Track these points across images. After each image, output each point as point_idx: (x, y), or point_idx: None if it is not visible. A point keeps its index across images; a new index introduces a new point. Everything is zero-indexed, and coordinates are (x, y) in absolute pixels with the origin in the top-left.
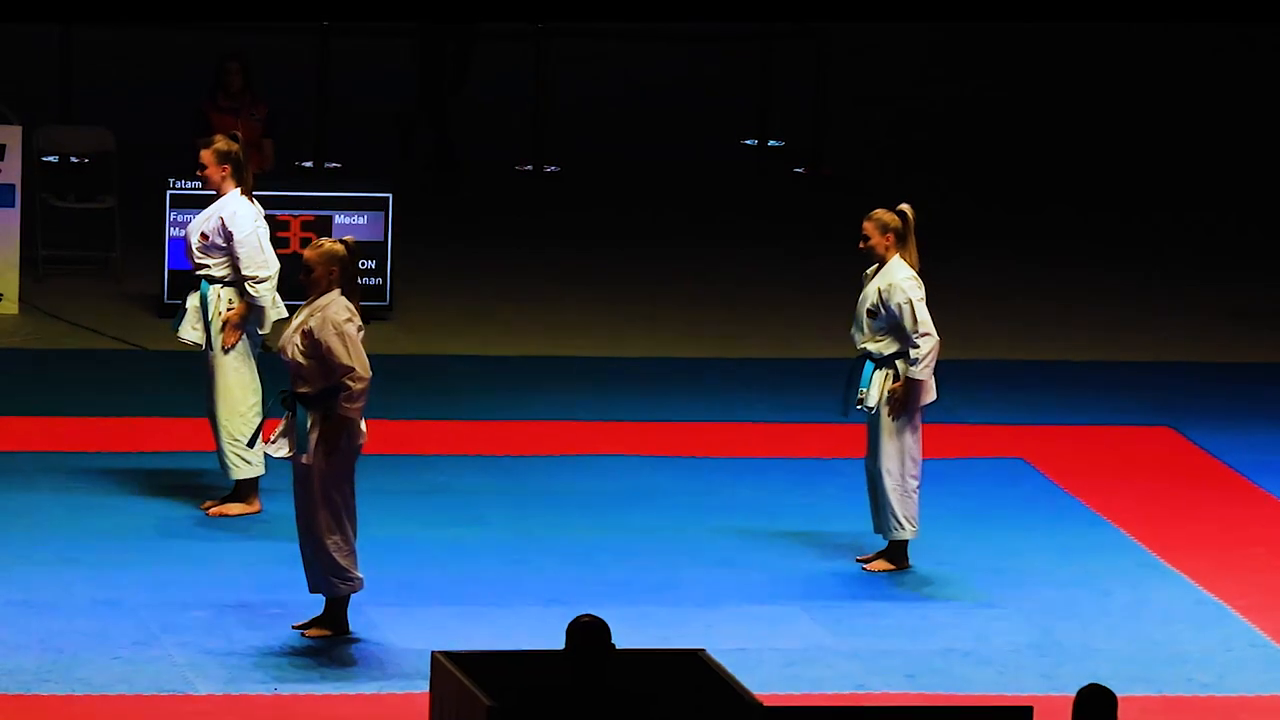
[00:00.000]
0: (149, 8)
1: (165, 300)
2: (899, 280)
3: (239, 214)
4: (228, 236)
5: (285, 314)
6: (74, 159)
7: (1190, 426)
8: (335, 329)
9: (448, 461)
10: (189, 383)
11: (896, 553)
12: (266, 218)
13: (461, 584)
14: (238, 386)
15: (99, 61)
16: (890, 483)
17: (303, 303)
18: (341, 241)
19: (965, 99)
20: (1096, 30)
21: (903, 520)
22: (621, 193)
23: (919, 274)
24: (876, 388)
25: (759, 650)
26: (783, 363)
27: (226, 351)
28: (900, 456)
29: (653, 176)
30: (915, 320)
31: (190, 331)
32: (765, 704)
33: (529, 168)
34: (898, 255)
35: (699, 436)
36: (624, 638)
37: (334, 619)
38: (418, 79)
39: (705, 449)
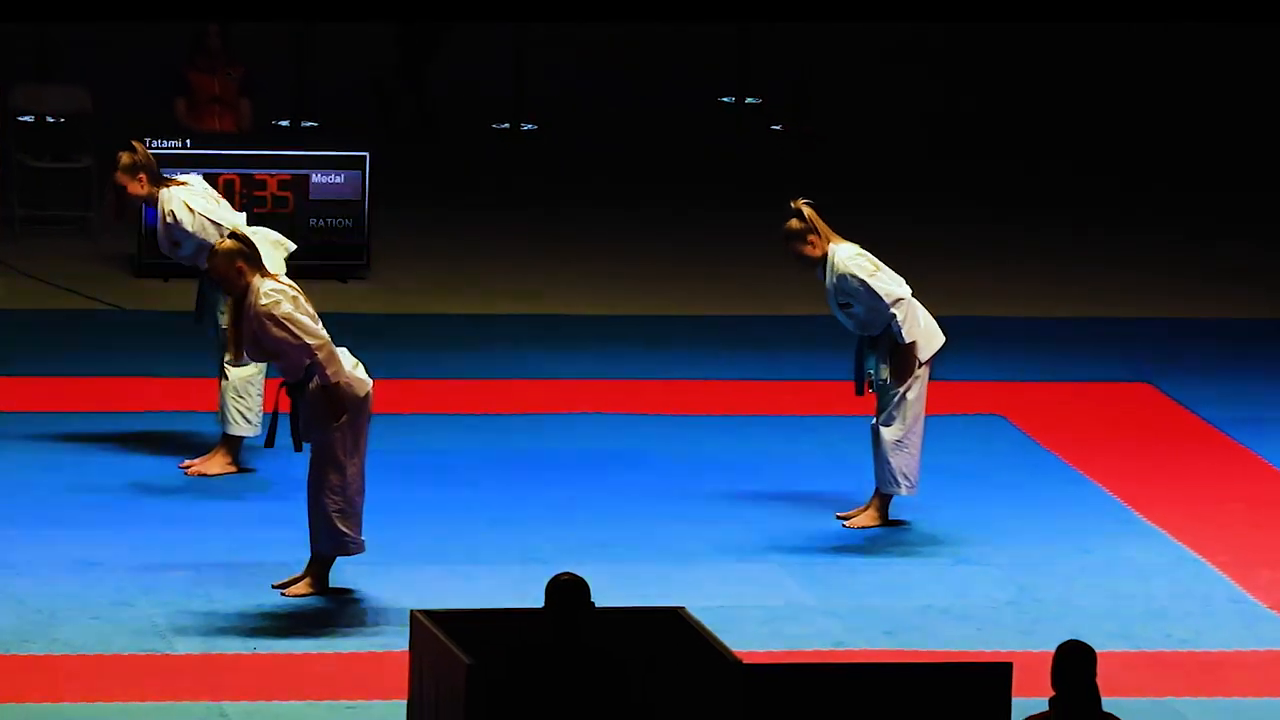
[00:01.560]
0: (141, 5)
1: (142, 260)
2: (843, 263)
3: (175, 212)
4: (183, 235)
5: (291, 245)
6: (50, 118)
7: (1169, 382)
8: (267, 320)
9: (426, 421)
10: (167, 342)
11: (878, 509)
12: (245, 178)
13: (440, 543)
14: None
15: (76, 20)
16: (889, 436)
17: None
18: (231, 235)
19: (950, 49)
20: None
21: (898, 476)
22: (599, 150)
23: (864, 246)
24: (884, 364)
25: (738, 608)
26: (762, 319)
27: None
28: (905, 414)
29: (630, 134)
30: (879, 293)
31: (207, 319)
32: (745, 661)
33: (505, 126)
34: (829, 245)
35: (679, 394)
36: (603, 596)
37: (317, 577)
38: (396, 41)
39: (685, 407)
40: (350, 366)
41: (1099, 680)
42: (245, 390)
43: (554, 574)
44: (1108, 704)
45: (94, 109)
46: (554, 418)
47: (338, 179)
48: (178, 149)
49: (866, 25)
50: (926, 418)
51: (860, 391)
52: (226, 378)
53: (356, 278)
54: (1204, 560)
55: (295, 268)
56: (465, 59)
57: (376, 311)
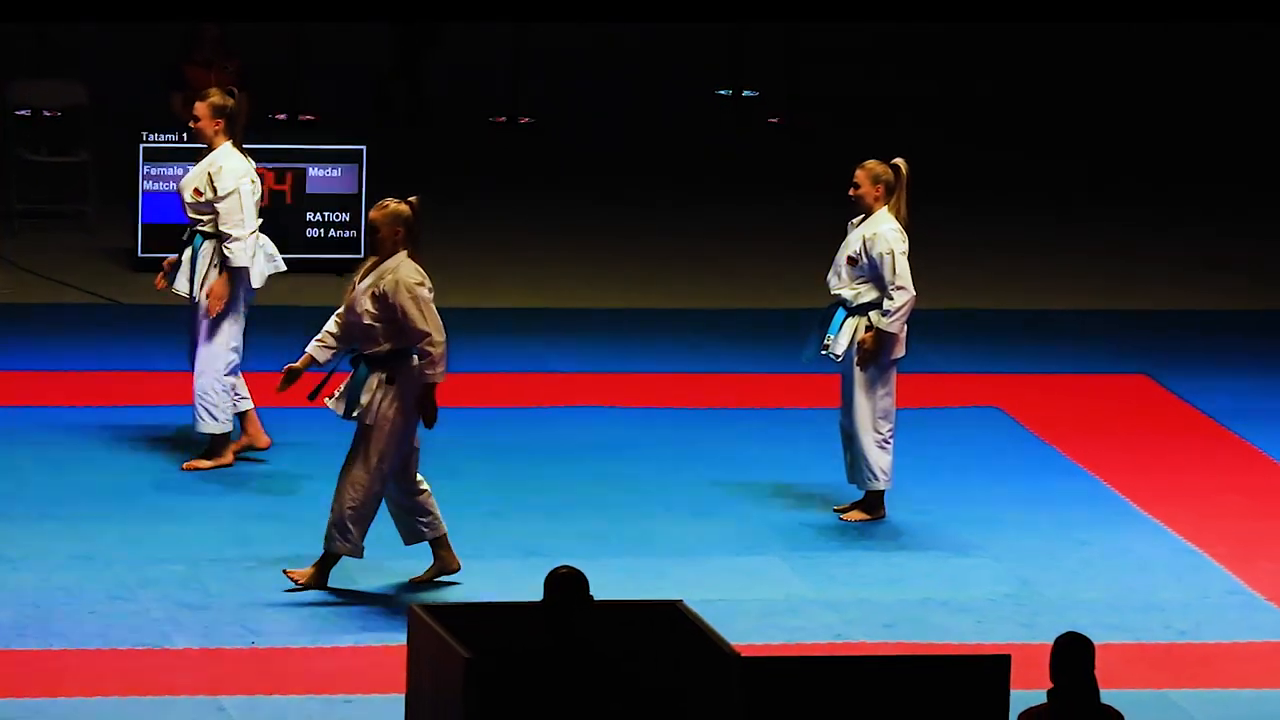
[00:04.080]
0: (137, 5)
1: (139, 254)
2: (883, 231)
3: (226, 169)
4: (214, 191)
5: (283, 268)
6: (47, 112)
7: (1166, 374)
8: (409, 292)
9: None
10: (163, 336)
11: (872, 503)
12: None
13: None
14: (218, 344)
15: (73, 14)
16: (864, 436)
17: (368, 262)
18: (406, 201)
19: (946, 41)
20: None
21: (877, 472)
22: (596, 144)
23: (905, 229)
24: (846, 335)
25: (736, 601)
26: (757, 313)
27: (209, 314)
28: (873, 410)
29: (627, 127)
30: (895, 272)
31: (182, 282)
32: (743, 654)
33: (503, 119)
34: (885, 207)
35: (675, 388)
36: (601, 589)
37: (319, 570)
38: (393, 34)
39: (681, 400)
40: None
41: (1097, 672)
42: (211, 388)
43: (552, 568)
44: (1106, 696)
45: (90, 103)
46: (551, 411)
47: (335, 173)
48: (174, 143)
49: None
50: (922, 410)
51: (810, 357)
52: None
53: (352, 271)
54: (1202, 552)
55: (293, 262)
56: (462, 53)
57: None
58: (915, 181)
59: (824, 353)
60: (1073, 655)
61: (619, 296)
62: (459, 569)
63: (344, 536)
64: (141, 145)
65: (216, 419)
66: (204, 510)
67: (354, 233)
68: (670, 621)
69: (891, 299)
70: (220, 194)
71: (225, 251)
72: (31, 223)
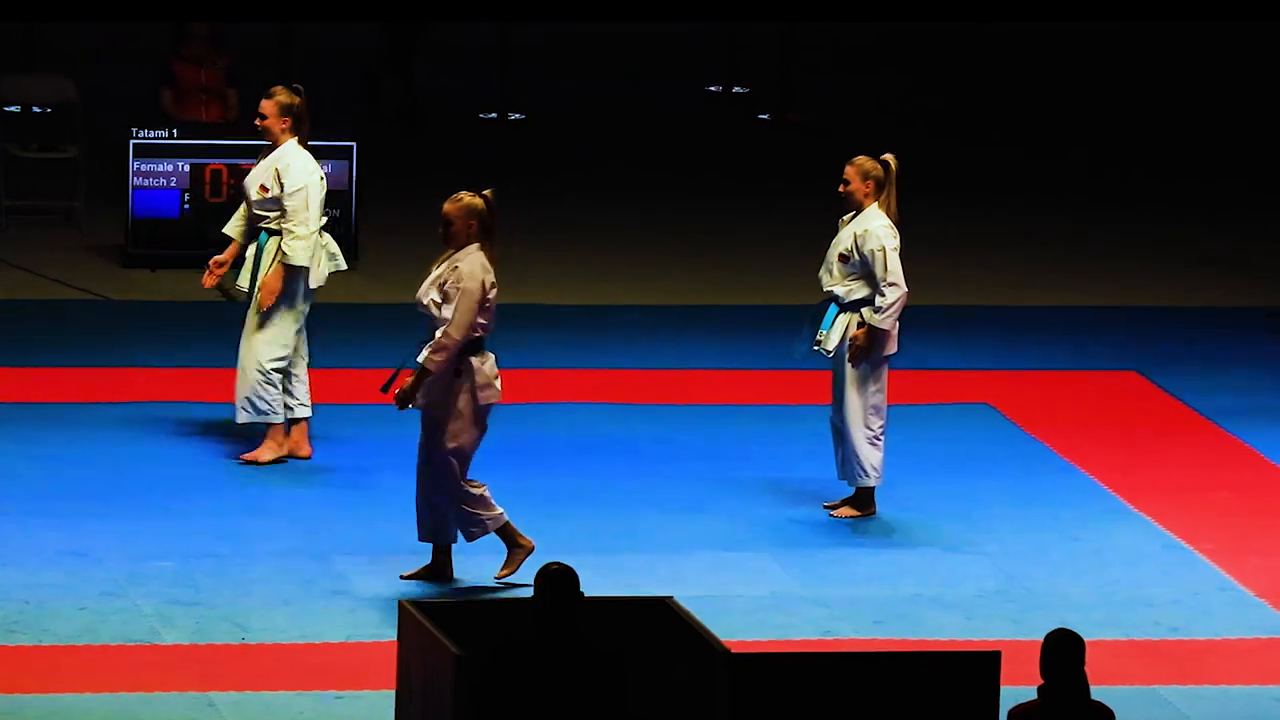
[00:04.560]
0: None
1: (129, 250)
2: (875, 228)
3: (294, 166)
4: (281, 187)
5: (343, 266)
6: (36, 108)
7: (1156, 371)
8: (480, 289)
9: (411, 411)
10: (153, 332)
11: (863, 499)
12: (232, 168)
13: None
14: (266, 338)
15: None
16: (855, 433)
17: (443, 254)
18: (480, 195)
19: (936, 39)
20: None
21: (868, 468)
22: (586, 139)
23: (896, 225)
24: (838, 331)
25: (727, 597)
26: (749, 309)
27: (265, 310)
28: (864, 407)
29: (617, 123)
30: (886, 268)
31: (244, 278)
32: (733, 650)
33: (493, 115)
34: (875, 204)
35: (665, 383)
36: (592, 586)
37: (437, 566)
38: (382, 29)
39: (672, 396)
40: (491, 375)
41: (1087, 668)
42: (252, 385)
43: (542, 564)
44: (1096, 692)
45: (80, 99)
46: (541, 407)
47: (325, 169)
48: (165, 139)
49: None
50: (913, 407)
51: (802, 353)
52: (240, 364)
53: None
54: (1191, 548)
55: None
56: (452, 48)
57: (364, 301)
58: (907, 178)
59: (816, 349)
60: (1063, 652)
61: (608, 292)
62: (533, 548)
63: (476, 524)
64: (131, 141)
65: (258, 409)
66: (194, 506)
67: (344, 228)
68: (660, 618)
69: (883, 295)
70: (288, 191)
71: (285, 249)
72: (21, 219)
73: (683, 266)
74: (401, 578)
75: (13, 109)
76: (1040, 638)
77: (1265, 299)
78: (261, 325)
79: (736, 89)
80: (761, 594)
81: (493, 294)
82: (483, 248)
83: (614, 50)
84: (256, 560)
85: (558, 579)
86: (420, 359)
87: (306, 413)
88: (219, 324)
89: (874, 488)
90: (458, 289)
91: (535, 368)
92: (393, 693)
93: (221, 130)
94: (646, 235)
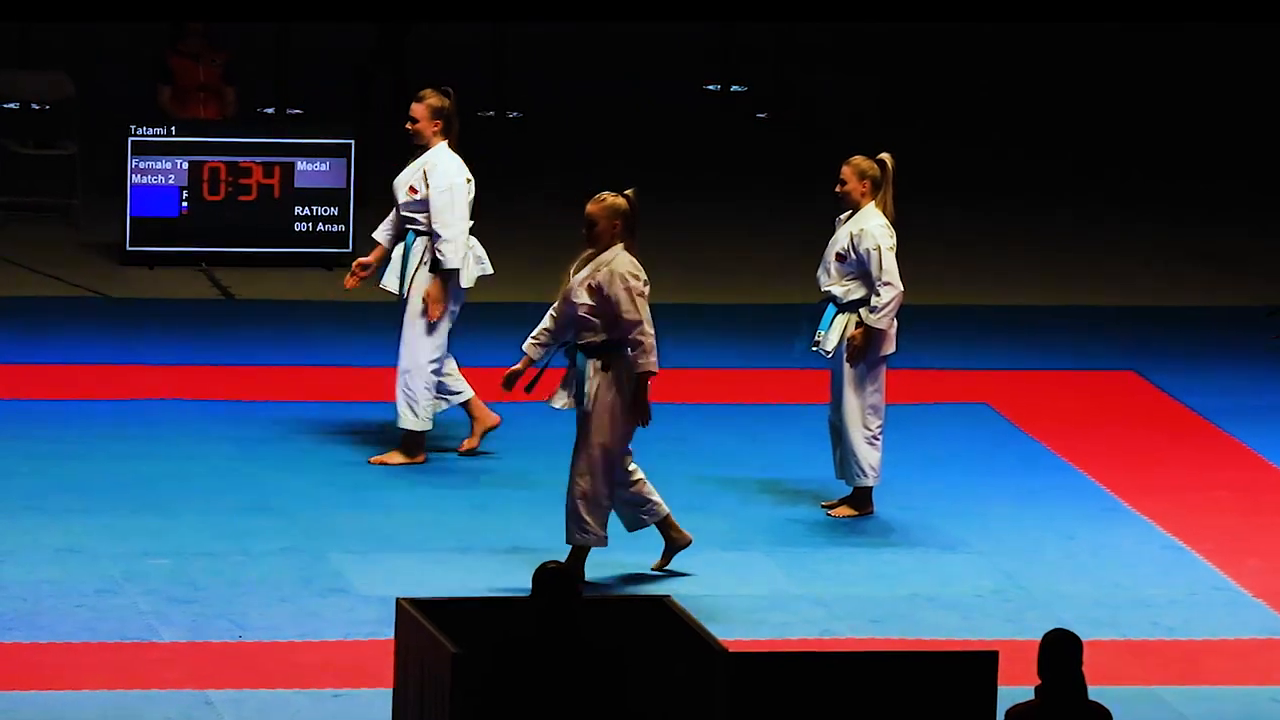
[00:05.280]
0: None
1: (127, 248)
2: (871, 227)
3: (442, 168)
4: (429, 189)
5: (489, 270)
6: (34, 105)
7: (1154, 371)
8: (622, 282)
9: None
10: (151, 330)
11: (861, 499)
12: (230, 165)
13: (427, 531)
14: (426, 343)
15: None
16: (853, 432)
17: (584, 254)
18: (623, 195)
19: (936, 38)
20: None
21: (866, 468)
22: (584, 138)
23: (893, 225)
24: (835, 332)
25: (724, 596)
26: (746, 308)
27: (429, 318)
28: (862, 407)
29: (615, 121)
30: (882, 268)
31: (391, 280)
32: (731, 650)
33: (491, 114)
34: (872, 203)
35: (662, 383)
36: (590, 585)
37: (574, 562)
38: (376, 25)
39: (668, 395)
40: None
41: (1085, 668)
42: (414, 385)
43: (540, 563)
44: (1094, 692)
45: (77, 95)
46: (538, 405)
47: (323, 167)
48: (163, 136)
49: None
50: (911, 406)
51: (798, 350)
52: (399, 367)
53: (342, 265)
54: (1189, 548)
55: (281, 257)
56: (446, 45)
57: (361, 300)
58: (904, 177)
59: (814, 349)
60: (1060, 651)
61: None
62: (690, 542)
63: (581, 529)
64: (130, 139)
65: (417, 415)
66: (189, 504)
67: (342, 227)
68: (658, 617)
69: (879, 295)
70: (435, 192)
71: (437, 253)
72: (19, 216)
73: (680, 264)
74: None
75: (11, 106)
76: (1038, 637)
77: (1264, 298)
78: (417, 329)
79: (734, 88)
80: (759, 593)
81: (646, 291)
82: (628, 247)
83: (612, 47)
84: (254, 558)
85: (556, 577)
86: (637, 370)
87: (470, 392)
88: (217, 322)
89: (872, 487)
90: (624, 290)
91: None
92: (390, 691)
93: (220, 128)
94: (644, 232)
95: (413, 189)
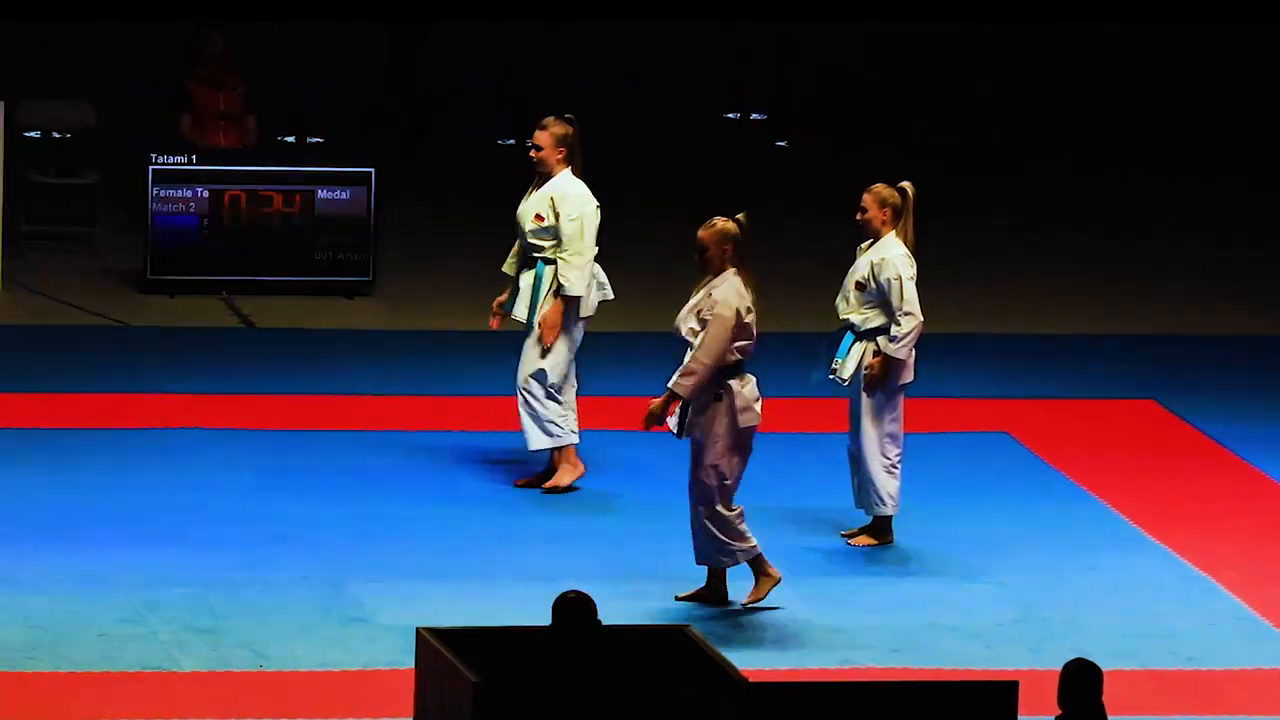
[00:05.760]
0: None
1: (148, 276)
2: (891, 256)
3: (570, 195)
4: (556, 217)
5: (610, 295)
6: (55, 134)
7: (1173, 399)
8: (724, 317)
9: (432, 437)
10: (171, 359)
11: (880, 527)
12: (250, 194)
13: (446, 560)
14: (547, 366)
15: (78, 36)
16: (872, 461)
17: (702, 280)
18: (734, 219)
19: (957, 56)
20: None
21: (885, 497)
22: (602, 167)
23: (913, 253)
24: (853, 360)
25: (743, 625)
26: (766, 337)
27: (544, 343)
28: (880, 435)
29: (634, 150)
30: (902, 298)
31: (520, 309)
32: (750, 679)
33: (511, 142)
34: (893, 232)
35: None
36: (609, 614)
37: (713, 590)
38: (387, 56)
39: None
40: (751, 399)
41: (1105, 698)
42: (539, 407)
43: (560, 592)
44: None
45: (98, 125)
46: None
47: (344, 195)
48: (183, 165)
49: (871, 35)
50: (930, 435)
51: (817, 381)
52: (520, 391)
53: (362, 294)
54: (1210, 578)
55: (301, 285)
56: (464, 72)
57: (382, 328)
58: (923, 204)
59: (832, 377)
60: (1080, 681)
61: (625, 320)
62: (780, 579)
63: (724, 551)
64: (150, 167)
65: (551, 433)
66: (211, 533)
67: (362, 255)
68: (677, 646)
69: (899, 324)
70: (564, 220)
71: (562, 279)
72: (39, 244)
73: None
74: (676, 599)
75: (32, 135)
76: (1058, 667)
77: None
78: (543, 355)
79: (754, 115)
80: (778, 622)
81: (750, 318)
82: (739, 272)
83: (629, 75)
84: (274, 587)
85: (575, 606)
86: (669, 383)
87: (574, 439)
88: (237, 350)
89: (891, 516)
90: (712, 314)
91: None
92: None
93: (240, 156)
94: (663, 262)
95: (539, 217)
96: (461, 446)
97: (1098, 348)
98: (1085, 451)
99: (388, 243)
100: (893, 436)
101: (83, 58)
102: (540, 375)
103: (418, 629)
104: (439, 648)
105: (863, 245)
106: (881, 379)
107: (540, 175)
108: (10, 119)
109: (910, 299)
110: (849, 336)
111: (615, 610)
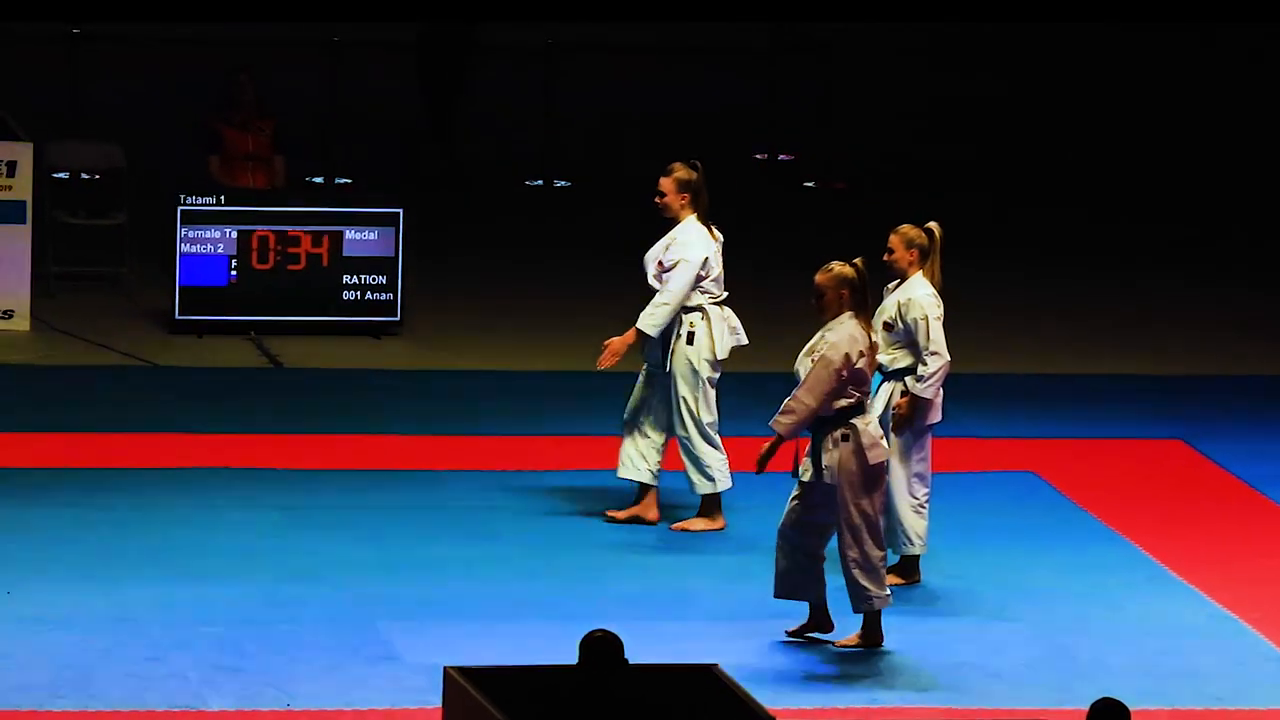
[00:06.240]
0: (150, 7)
1: (176, 316)
2: (918, 296)
3: (679, 241)
4: (677, 262)
5: (744, 340)
6: (85, 175)
7: (1201, 439)
8: (831, 361)
9: (459, 476)
10: (198, 399)
11: (907, 567)
12: (279, 234)
13: (474, 599)
14: (694, 408)
15: (108, 77)
16: (900, 501)
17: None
18: (851, 264)
19: (971, 105)
20: (1102, 34)
21: (912, 536)
22: (632, 207)
23: (940, 293)
24: (881, 400)
25: (771, 664)
26: (791, 377)
27: (599, 364)
28: (908, 475)
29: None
30: (929, 338)
31: (653, 354)
32: (777, 717)
33: (539, 182)
34: (920, 272)
35: None
36: (636, 652)
37: (868, 632)
38: (421, 93)
39: None
40: (877, 435)
41: None
42: (698, 450)
43: (587, 631)
44: None
45: (127, 166)
46: (589, 473)
47: (371, 235)
48: (212, 205)
49: (894, 79)
50: (957, 475)
51: None
52: (678, 437)
53: (390, 334)
54: (1238, 618)
55: (329, 325)
56: (497, 107)
57: (410, 367)
58: (950, 243)
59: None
60: None
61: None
62: (833, 629)
63: (864, 597)
64: (179, 208)
65: (712, 478)
66: (239, 572)
67: (390, 295)
68: (706, 685)
69: (926, 364)
70: (668, 262)
71: (643, 316)
72: (69, 285)
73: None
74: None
75: (61, 175)
76: (1085, 707)
77: None
78: (683, 397)
79: (781, 156)
80: (807, 661)
81: (861, 363)
82: (856, 316)
83: (658, 116)
84: (302, 626)
85: (602, 645)
86: (770, 421)
87: (655, 483)
88: (265, 390)
89: (919, 556)
90: (818, 358)
91: (579, 435)
92: None
93: (269, 197)
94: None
95: (661, 264)
96: (489, 485)
97: (1125, 387)
98: (1112, 491)
99: (415, 283)
100: (920, 476)
101: (112, 99)
102: (693, 423)
103: (445, 668)
104: (467, 687)
105: (889, 285)
106: (909, 419)
107: (666, 220)
108: (40, 160)
109: (937, 339)
110: (877, 377)
111: (641, 649)
